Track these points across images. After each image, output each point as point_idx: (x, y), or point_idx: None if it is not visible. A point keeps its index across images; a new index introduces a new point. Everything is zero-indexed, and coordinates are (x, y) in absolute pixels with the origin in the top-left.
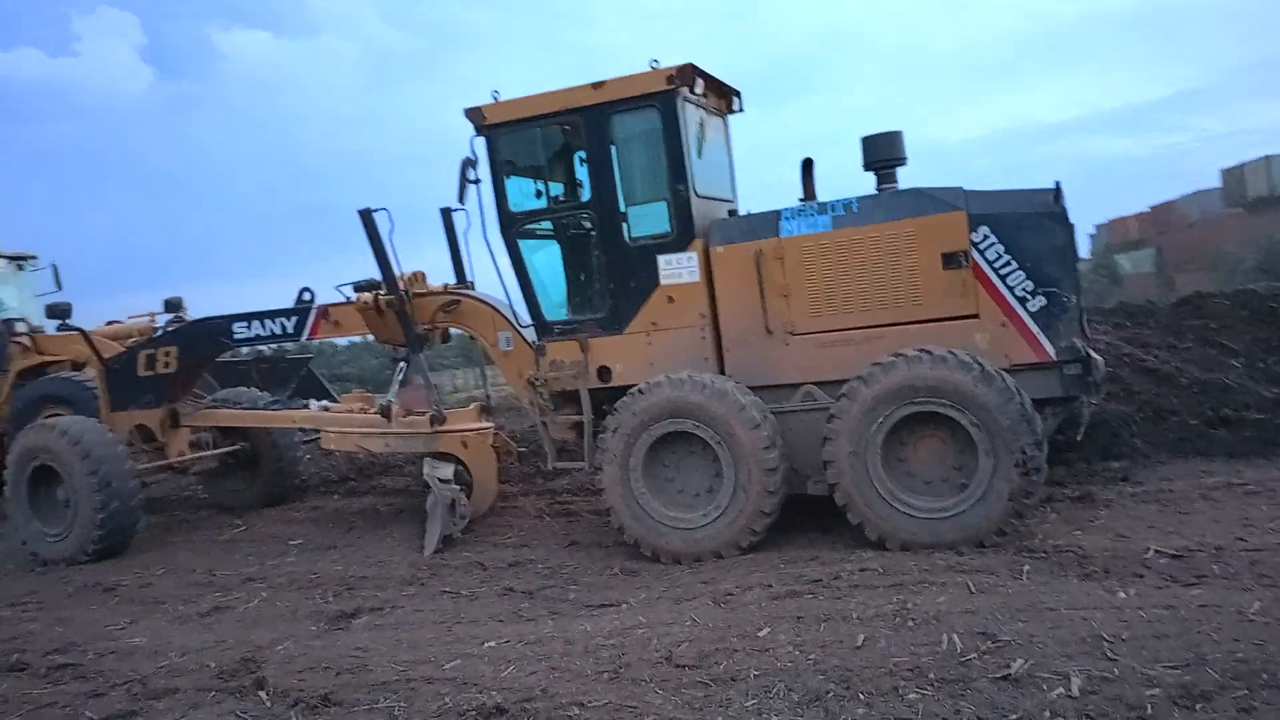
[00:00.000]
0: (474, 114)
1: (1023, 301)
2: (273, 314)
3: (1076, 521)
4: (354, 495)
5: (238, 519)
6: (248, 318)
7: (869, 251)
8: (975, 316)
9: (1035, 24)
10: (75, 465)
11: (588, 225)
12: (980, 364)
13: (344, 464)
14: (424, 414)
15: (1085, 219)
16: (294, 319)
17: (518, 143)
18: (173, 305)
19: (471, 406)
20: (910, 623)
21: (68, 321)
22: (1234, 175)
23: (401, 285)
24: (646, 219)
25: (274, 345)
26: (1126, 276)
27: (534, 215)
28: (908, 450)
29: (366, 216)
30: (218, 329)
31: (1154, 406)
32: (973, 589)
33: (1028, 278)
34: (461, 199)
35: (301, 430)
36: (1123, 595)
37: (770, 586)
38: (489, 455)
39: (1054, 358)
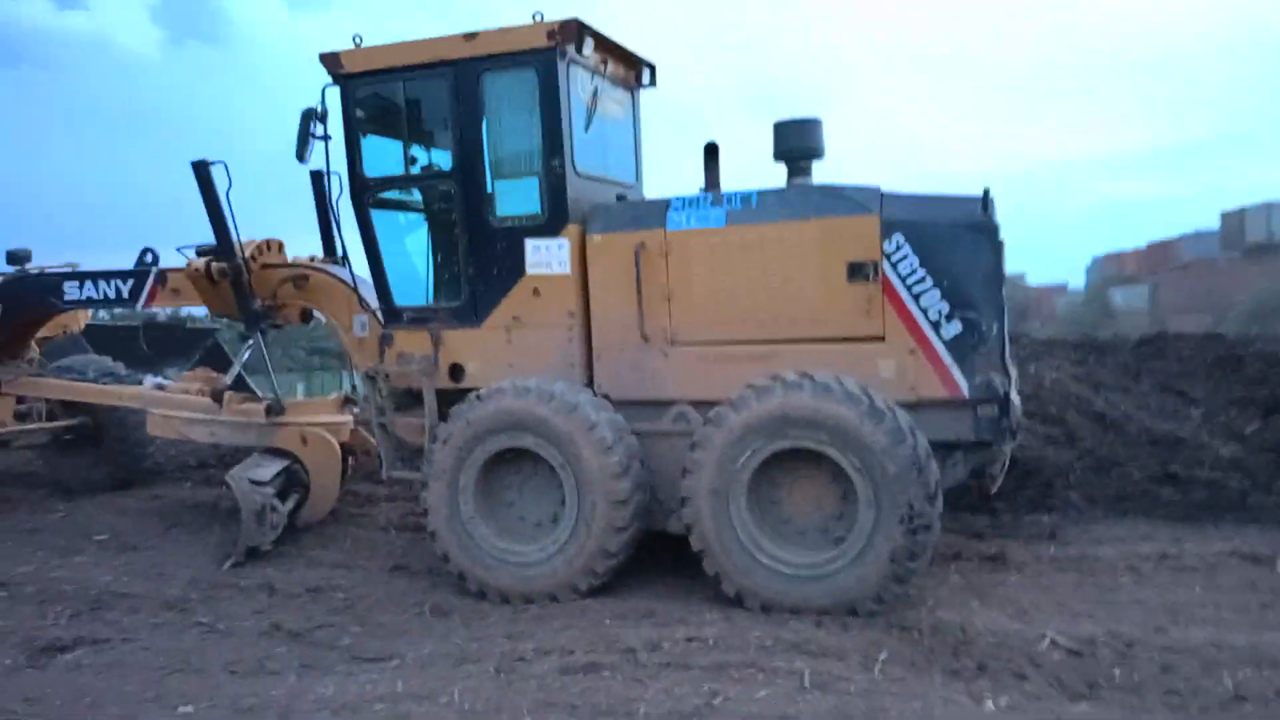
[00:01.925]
0: (330, 60)
1: (936, 326)
2: (108, 275)
3: (978, 588)
4: (209, 484)
5: (62, 504)
6: (80, 277)
7: (765, 254)
8: (880, 339)
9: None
10: None
11: (449, 199)
12: (870, 397)
13: (206, 449)
14: (261, 402)
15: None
16: (130, 282)
17: (377, 96)
18: (17, 258)
19: (332, 397)
20: None
21: None
22: (1234, 220)
23: (248, 253)
24: (515, 197)
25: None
26: (1119, 312)
27: (389, 182)
28: (782, 493)
29: (200, 170)
30: (45, 287)
31: (1096, 456)
32: (806, 683)
33: (944, 298)
34: (302, 155)
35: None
36: (990, 708)
37: (572, 654)
38: (332, 454)
39: (967, 395)
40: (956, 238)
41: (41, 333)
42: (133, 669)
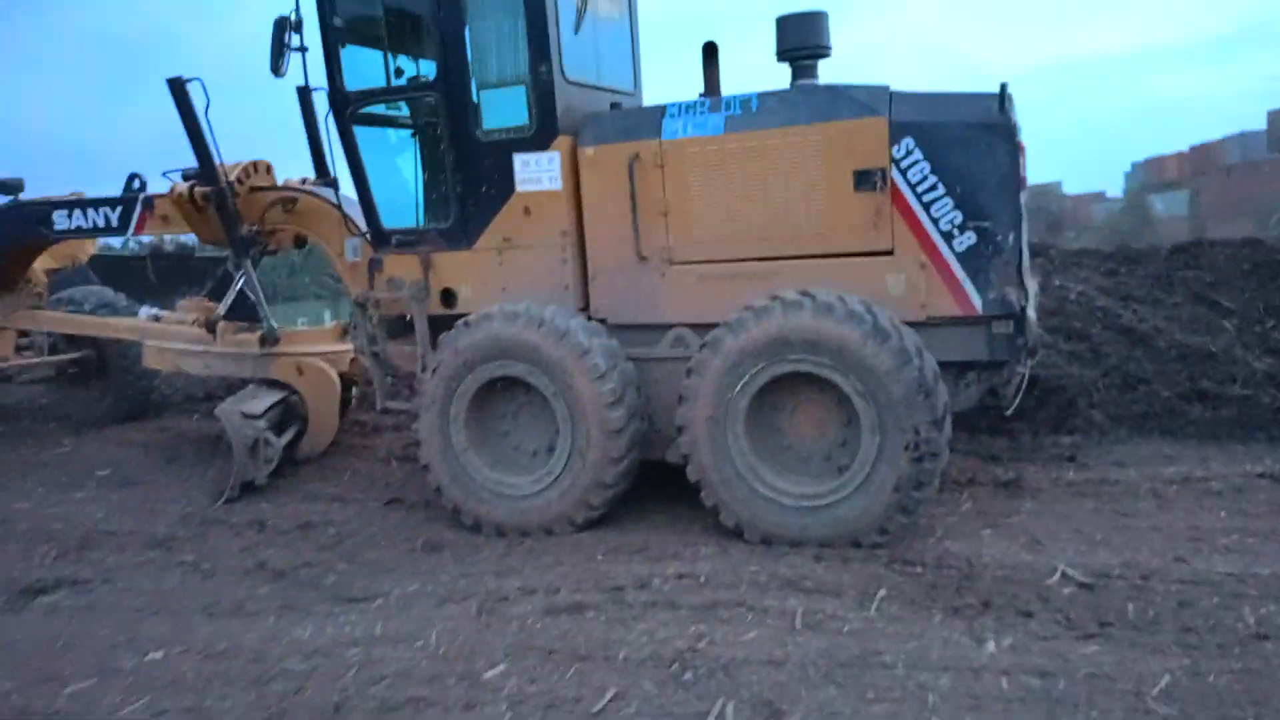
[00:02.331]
0: None
1: (948, 238)
2: (96, 203)
3: (990, 516)
4: (215, 417)
5: (69, 438)
6: (69, 205)
7: (765, 162)
8: (889, 253)
9: None
10: None
11: (434, 112)
12: (874, 315)
13: (214, 381)
14: (256, 331)
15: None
16: (118, 210)
17: (355, 2)
18: (8, 187)
19: (331, 325)
20: (688, 674)
21: None
22: None
23: (234, 175)
24: (501, 107)
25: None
26: (1159, 219)
27: (371, 96)
28: (783, 419)
29: (176, 87)
30: (34, 216)
31: (1123, 373)
32: (798, 623)
33: (956, 207)
34: (277, 69)
35: None
36: (991, 649)
37: (558, 592)
38: (329, 385)
39: (980, 312)
40: (971, 140)
41: (49, 264)
42: (109, 611)
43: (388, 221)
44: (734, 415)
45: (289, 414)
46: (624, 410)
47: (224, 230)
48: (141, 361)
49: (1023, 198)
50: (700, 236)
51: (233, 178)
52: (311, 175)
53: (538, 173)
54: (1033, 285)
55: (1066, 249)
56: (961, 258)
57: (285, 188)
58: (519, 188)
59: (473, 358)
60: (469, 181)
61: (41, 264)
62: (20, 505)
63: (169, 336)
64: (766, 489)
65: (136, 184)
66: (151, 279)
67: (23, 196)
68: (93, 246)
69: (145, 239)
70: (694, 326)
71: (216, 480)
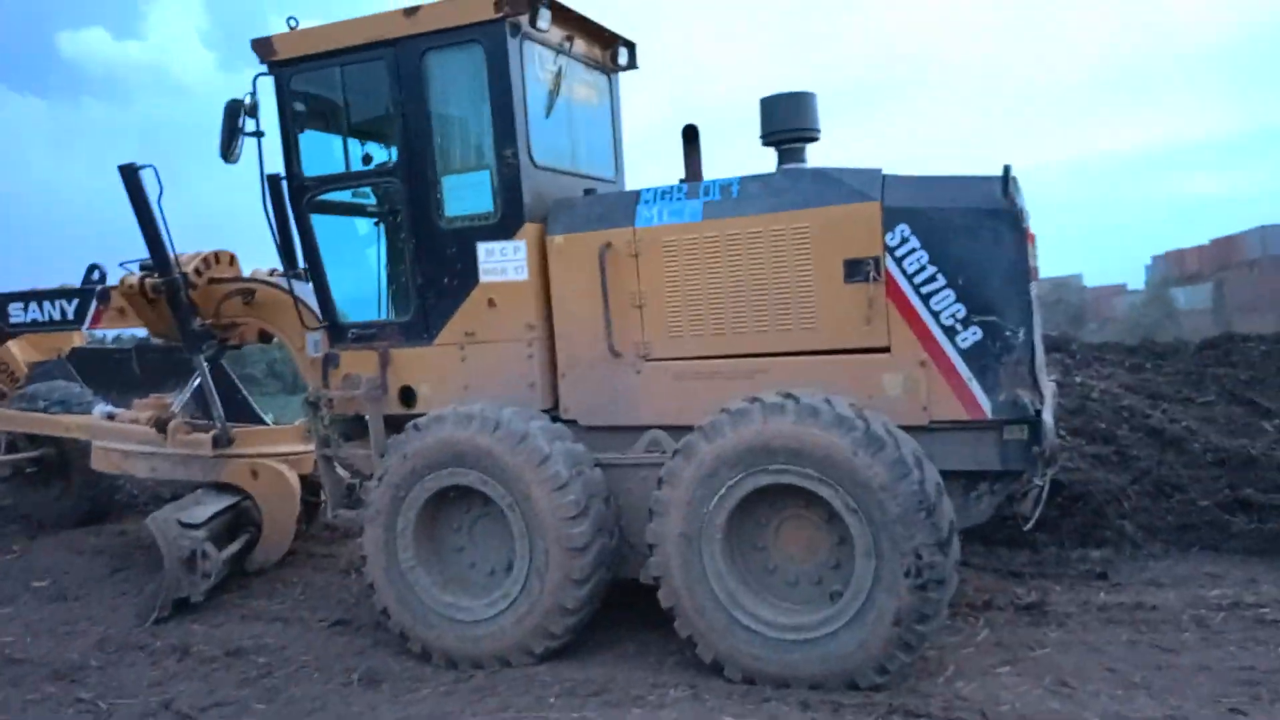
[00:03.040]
0: (261, 46)
1: (950, 333)
2: (53, 294)
3: (1009, 648)
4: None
5: (22, 541)
6: (25, 297)
7: (747, 252)
8: (886, 350)
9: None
10: None
11: (395, 198)
12: (866, 421)
13: (180, 481)
14: (209, 432)
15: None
16: (75, 302)
17: (314, 85)
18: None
19: (297, 424)
20: None
21: None
22: None
23: (192, 266)
24: (465, 193)
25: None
26: (1182, 312)
27: (330, 182)
28: (767, 537)
29: (129, 174)
30: None
31: (1154, 479)
32: None
33: (959, 300)
34: (229, 154)
35: None
36: None
37: None
38: (286, 489)
39: (989, 415)
40: (973, 226)
41: (32, 356)
42: None
43: (344, 314)
44: (710, 532)
45: (241, 521)
46: (588, 525)
47: (176, 324)
48: (91, 463)
49: (1033, 289)
50: (678, 331)
51: (190, 268)
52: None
53: (503, 262)
54: (1049, 385)
55: (1088, 343)
56: (966, 355)
57: (243, 279)
58: (483, 278)
59: (421, 465)
60: (430, 272)
61: (24, 355)
62: None
63: (119, 436)
64: (748, 618)
65: (96, 275)
66: (136, 372)
67: None
68: (80, 338)
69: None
70: (672, 429)
71: (151, 596)
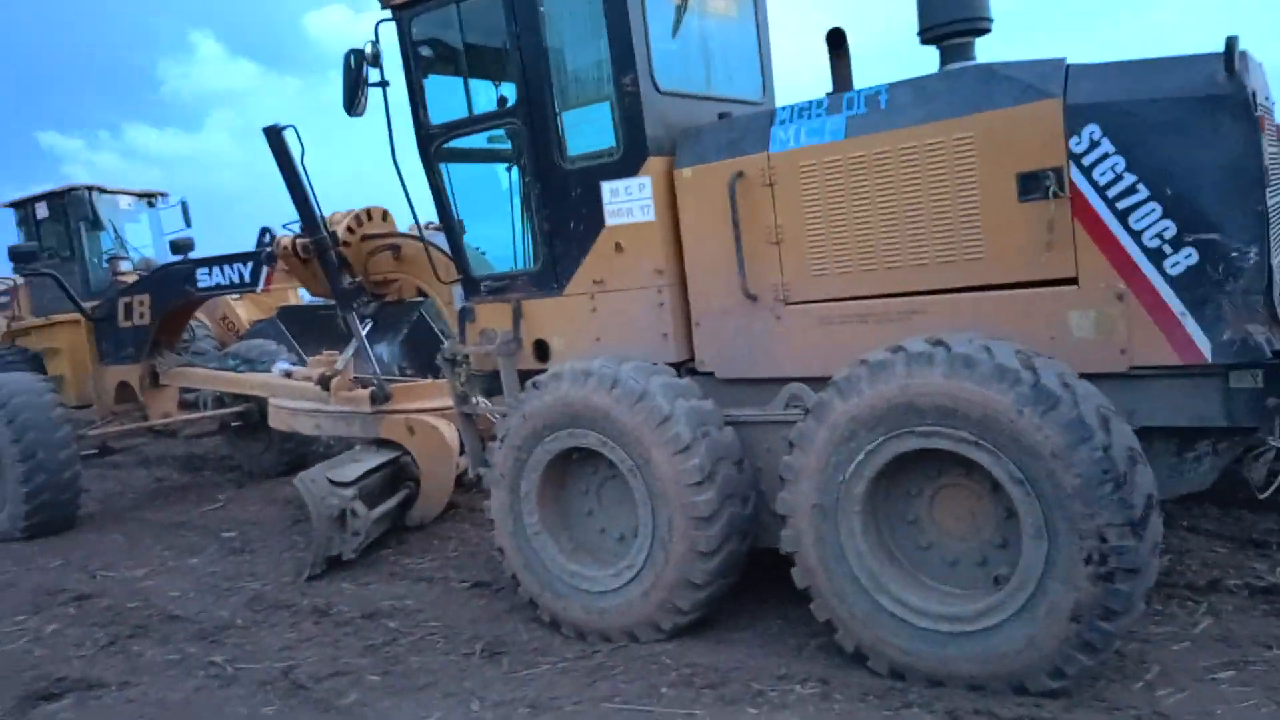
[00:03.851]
0: None
1: (1157, 258)
2: (231, 259)
3: (1237, 645)
4: None
5: (227, 491)
6: (209, 263)
7: (899, 172)
8: (1073, 282)
9: None
10: (1, 432)
11: (519, 140)
12: (1035, 372)
13: None
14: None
15: None
16: (249, 265)
17: (435, 27)
18: (179, 247)
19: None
20: None
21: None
22: None
23: (344, 224)
24: (586, 129)
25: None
26: None
27: (455, 128)
28: (919, 509)
29: (273, 136)
30: (182, 275)
31: None
32: None
33: (1167, 215)
34: (352, 107)
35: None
36: None
37: None
38: (443, 445)
39: (1210, 359)
40: (1183, 120)
41: (255, 314)
42: None
43: (475, 268)
44: (848, 504)
45: (400, 477)
46: (714, 492)
47: (328, 282)
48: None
49: (1271, 195)
50: (821, 269)
51: (341, 227)
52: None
53: (628, 202)
54: None
55: None
56: (1178, 284)
57: (388, 234)
58: (608, 221)
59: (541, 425)
60: (556, 217)
61: (247, 313)
62: (129, 573)
63: (290, 393)
64: (894, 604)
65: (267, 237)
66: (342, 327)
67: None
68: (294, 296)
69: None
70: (816, 381)
71: (308, 554)
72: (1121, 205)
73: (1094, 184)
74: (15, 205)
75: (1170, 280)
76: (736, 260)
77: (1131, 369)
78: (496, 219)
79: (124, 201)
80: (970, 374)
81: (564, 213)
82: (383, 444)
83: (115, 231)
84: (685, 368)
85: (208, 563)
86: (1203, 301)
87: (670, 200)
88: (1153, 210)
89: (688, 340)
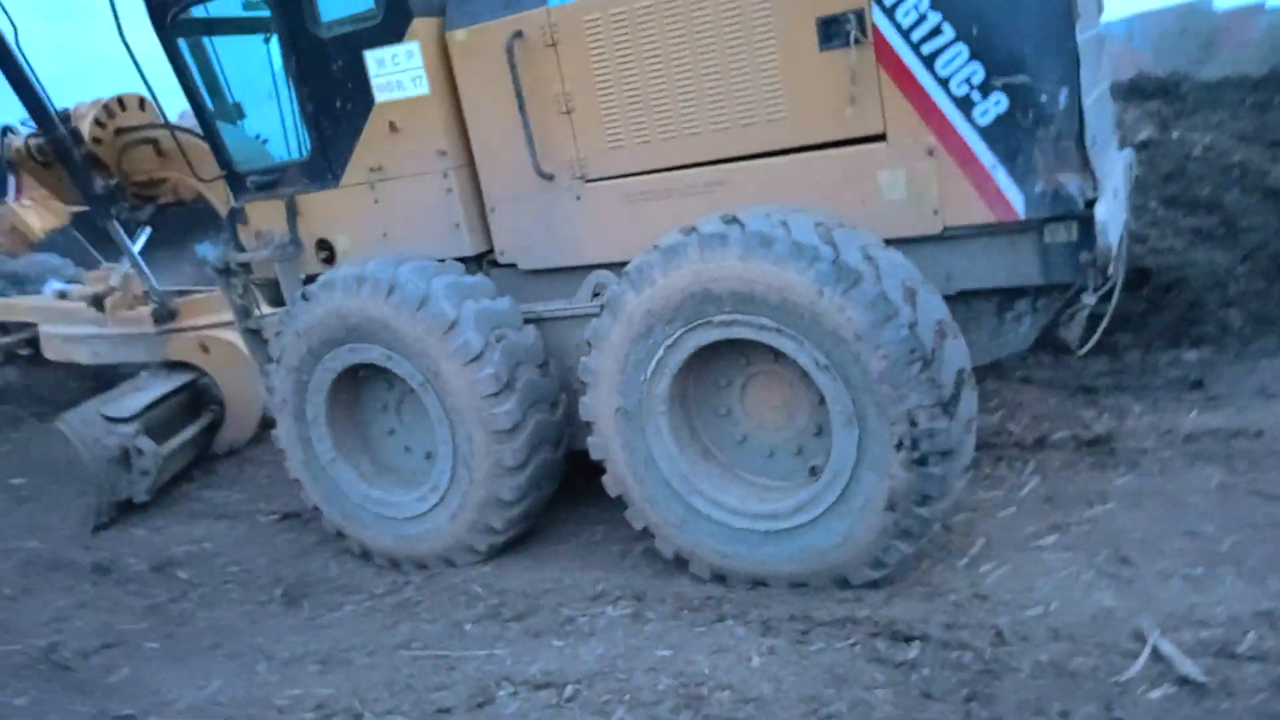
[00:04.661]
0: None
1: (965, 106)
2: None
3: (1061, 506)
4: None
5: (18, 430)
6: None
7: (690, 23)
8: (880, 138)
9: None
10: None
11: (265, 9)
12: (835, 247)
13: None
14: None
15: None
16: None
17: None
18: None
19: None
20: None
21: None
22: None
23: (90, 118)
24: None
25: None
26: None
27: None
28: (731, 398)
29: None
30: None
31: (1272, 254)
32: None
33: (974, 57)
34: None
35: None
36: None
37: (359, 715)
38: (245, 360)
39: (1022, 215)
40: None
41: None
42: None
43: (238, 161)
44: (652, 405)
45: (201, 401)
46: (514, 402)
47: (76, 187)
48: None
49: (1081, 32)
50: (617, 140)
51: (87, 121)
52: None
53: (396, 73)
54: (1119, 158)
55: (1203, 82)
56: (988, 135)
57: (143, 126)
58: (377, 96)
59: (317, 343)
60: (320, 96)
61: (42, 222)
62: None
63: (64, 317)
64: (709, 506)
65: (6, 139)
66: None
67: None
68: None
69: None
70: (624, 268)
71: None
72: (927, 49)
73: (897, 26)
74: None
75: (980, 131)
76: (524, 134)
77: (946, 230)
78: (254, 103)
79: None
80: (767, 254)
81: (328, 90)
82: (175, 367)
83: None
84: (486, 261)
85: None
86: (1014, 152)
87: (446, 68)
88: (959, 53)
89: (484, 230)
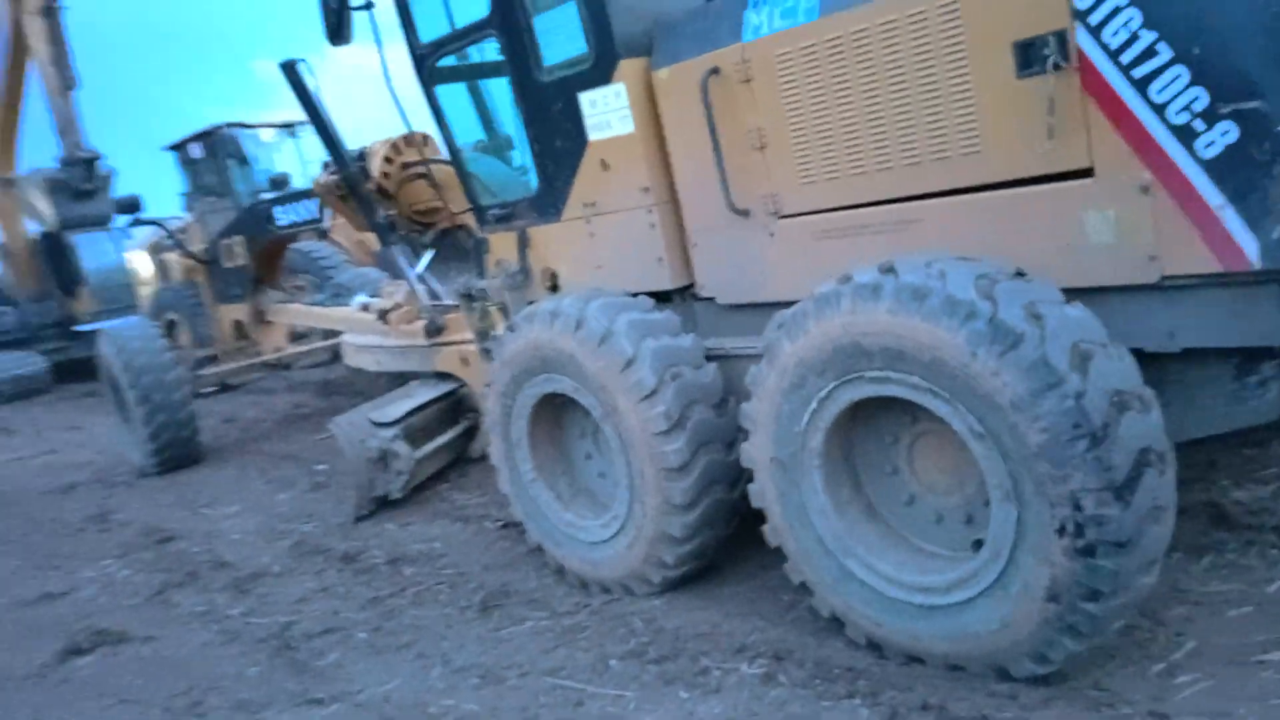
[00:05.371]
0: None
1: (1186, 136)
2: (298, 196)
3: (1270, 612)
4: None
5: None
6: (284, 201)
7: (879, 54)
8: (1087, 173)
9: None
10: (121, 376)
11: (499, 55)
12: (994, 303)
13: None
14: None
15: None
16: (316, 201)
17: None
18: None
19: None
20: None
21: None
22: None
23: (381, 155)
24: (558, 34)
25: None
26: None
27: (442, 46)
28: (898, 456)
29: (289, 72)
30: (263, 216)
31: None
32: None
33: (1196, 82)
34: (337, 36)
35: None
36: None
37: None
38: None
39: (1257, 264)
40: None
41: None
42: (97, 689)
43: (480, 195)
44: (806, 458)
45: (461, 409)
46: (683, 440)
47: (364, 215)
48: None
49: None
50: (809, 175)
51: (379, 157)
52: None
53: (606, 113)
54: None
55: None
56: (1214, 169)
57: (418, 161)
58: (590, 136)
59: (519, 371)
60: (543, 136)
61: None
62: (221, 510)
63: (360, 328)
64: (863, 570)
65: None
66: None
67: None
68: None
69: None
70: None
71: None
72: (1139, 73)
73: (1105, 47)
74: (175, 148)
75: (1204, 165)
76: (716, 169)
77: (1164, 279)
78: (495, 143)
79: (265, 134)
80: (918, 308)
81: (549, 130)
82: (442, 377)
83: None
84: (689, 294)
85: (290, 500)
86: (1246, 190)
87: (651, 107)
88: (1178, 76)
89: (686, 264)
